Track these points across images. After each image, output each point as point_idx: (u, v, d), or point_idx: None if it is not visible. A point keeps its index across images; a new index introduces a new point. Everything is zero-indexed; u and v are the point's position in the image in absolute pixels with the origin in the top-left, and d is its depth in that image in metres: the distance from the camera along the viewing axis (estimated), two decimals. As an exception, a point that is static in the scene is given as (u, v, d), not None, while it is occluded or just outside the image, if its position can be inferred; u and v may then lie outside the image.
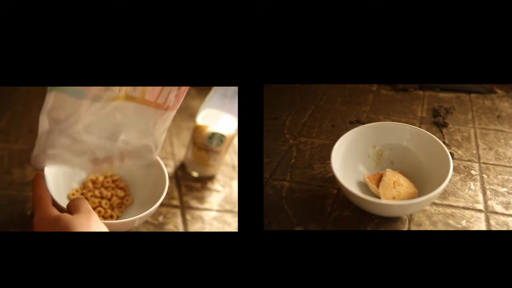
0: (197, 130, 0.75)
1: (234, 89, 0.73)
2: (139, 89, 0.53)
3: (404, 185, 0.65)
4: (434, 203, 0.67)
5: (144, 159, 0.62)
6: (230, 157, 0.85)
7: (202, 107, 0.75)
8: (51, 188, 0.59)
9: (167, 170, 0.66)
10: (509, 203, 0.68)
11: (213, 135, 0.73)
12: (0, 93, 0.87)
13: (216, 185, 0.79)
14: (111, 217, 0.66)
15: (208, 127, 0.74)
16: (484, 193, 0.70)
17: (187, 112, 0.95)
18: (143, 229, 0.68)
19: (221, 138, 0.73)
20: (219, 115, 0.74)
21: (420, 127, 0.86)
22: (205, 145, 0.75)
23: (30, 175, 0.71)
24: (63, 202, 0.58)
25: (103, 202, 0.67)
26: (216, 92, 0.74)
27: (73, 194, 0.67)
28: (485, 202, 0.68)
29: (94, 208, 0.66)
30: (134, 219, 0.59)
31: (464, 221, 0.64)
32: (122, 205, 0.68)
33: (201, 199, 0.76)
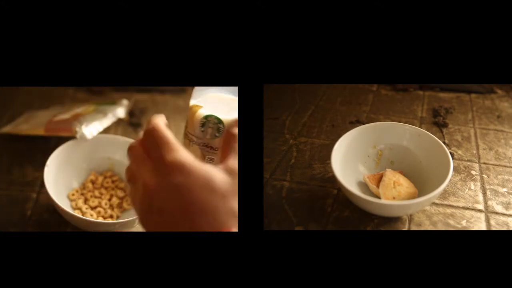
0: (188, 116, 0.54)
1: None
2: None
3: (404, 185, 0.65)
4: (434, 203, 0.67)
5: None
6: (230, 157, 0.85)
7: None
8: (51, 188, 0.59)
9: (167, 170, 0.65)
10: (509, 203, 0.68)
11: (206, 120, 0.51)
12: (0, 93, 0.87)
13: (216, 185, 0.79)
14: (111, 217, 0.66)
15: (201, 109, 0.52)
16: (484, 193, 0.70)
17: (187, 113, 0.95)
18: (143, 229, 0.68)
19: (217, 125, 0.51)
20: (218, 96, 0.55)
21: (420, 127, 0.86)
22: (197, 136, 0.51)
23: (30, 175, 0.71)
24: (63, 202, 0.58)
25: (103, 202, 0.67)
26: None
27: (73, 194, 0.67)
28: (485, 202, 0.68)
29: (94, 208, 0.67)
30: (134, 219, 0.59)
31: (464, 221, 0.64)
32: (122, 205, 0.68)
33: (201, 199, 0.75)
